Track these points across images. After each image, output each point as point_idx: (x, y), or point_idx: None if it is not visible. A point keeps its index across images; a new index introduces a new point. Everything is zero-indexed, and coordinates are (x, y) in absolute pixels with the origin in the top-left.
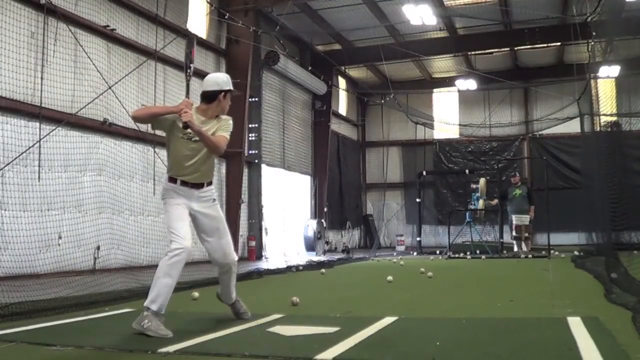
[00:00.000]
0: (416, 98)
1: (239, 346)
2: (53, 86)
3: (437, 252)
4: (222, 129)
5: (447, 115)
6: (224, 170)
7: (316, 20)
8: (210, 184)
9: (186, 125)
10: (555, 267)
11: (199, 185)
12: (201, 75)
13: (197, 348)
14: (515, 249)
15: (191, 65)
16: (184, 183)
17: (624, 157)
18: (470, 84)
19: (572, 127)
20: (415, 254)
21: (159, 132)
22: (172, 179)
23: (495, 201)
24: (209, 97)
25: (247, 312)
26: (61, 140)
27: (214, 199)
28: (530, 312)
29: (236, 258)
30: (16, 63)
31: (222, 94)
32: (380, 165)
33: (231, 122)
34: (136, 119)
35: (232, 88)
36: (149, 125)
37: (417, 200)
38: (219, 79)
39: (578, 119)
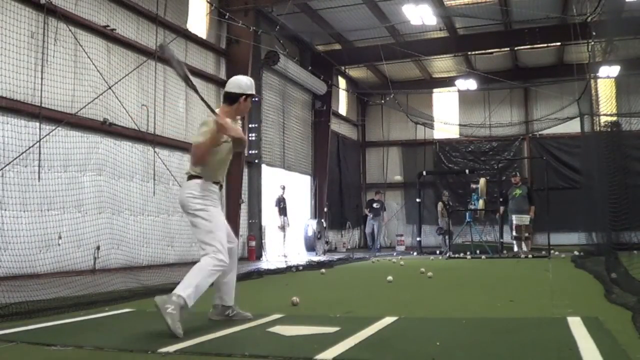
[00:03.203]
0: (416, 98)
1: (239, 346)
2: (53, 86)
3: (437, 252)
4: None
5: (447, 115)
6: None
7: (316, 20)
8: None
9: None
10: (555, 267)
11: (221, 186)
12: (200, 75)
13: (197, 348)
14: (515, 249)
15: (185, 73)
16: (217, 184)
17: (624, 157)
18: (470, 84)
19: (572, 127)
20: (415, 254)
21: (159, 132)
22: (205, 180)
23: (502, 209)
24: (231, 99)
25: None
26: (61, 140)
27: None
28: (530, 312)
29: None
30: (16, 63)
31: (243, 97)
32: (380, 165)
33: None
34: (202, 161)
35: (254, 92)
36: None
37: (417, 200)
38: (242, 82)
39: (578, 119)
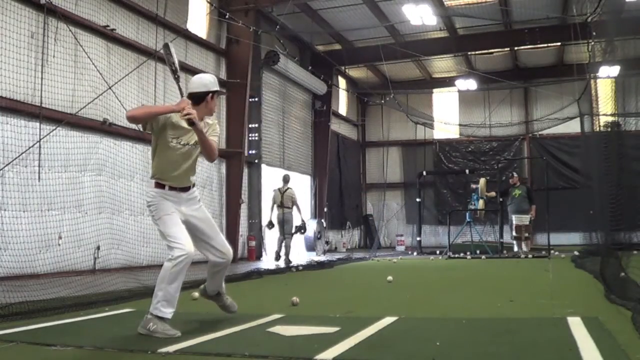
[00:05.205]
0: (416, 98)
1: (239, 346)
2: (53, 86)
3: (437, 252)
4: (211, 134)
5: (447, 115)
6: (224, 170)
7: (316, 20)
8: (194, 185)
9: (191, 122)
10: (555, 267)
11: (186, 189)
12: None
13: (197, 348)
14: (515, 249)
15: (175, 67)
16: (172, 188)
17: (623, 157)
18: (470, 84)
19: (572, 127)
20: (415, 254)
21: None
22: (159, 185)
23: (493, 193)
24: (196, 98)
25: (234, 304)
26: (61, 140)
27: (199, 199)
28: (530, 312)
29: (232, 252)
30: (16, 63)
31: (210, 95)
32: (380, 165)
33: (218, 127)
34: (133, 119)
35: (219, 89)
36: (139, 125)
37: (417, 200)
38: (206, 80)
39: (578, 119)
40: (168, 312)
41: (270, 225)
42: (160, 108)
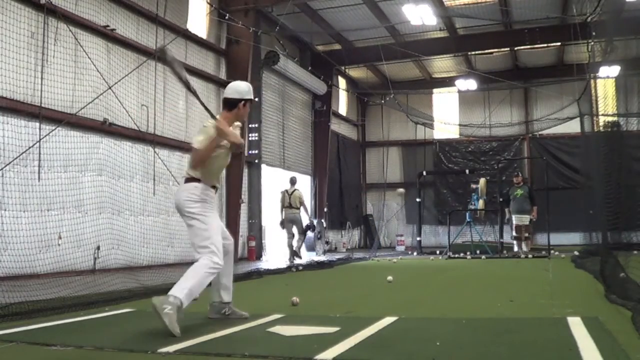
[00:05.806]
0: (416, 98)
1: (239, 346)
2: (53, 86)
3: (437, 252)
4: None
5: (447, 115)
6: (224, 170)
7: (316, 20)
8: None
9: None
10: (555, 267)
11: (217, 190)
12: (200, 75)
13: (197, 348)
14: (515, 249)
15: (185, 79)
16: (214, 187)
17: (623, 157)
18: (470, 84)
19: (572, 127)
20: (415, 254)
21: (159, 132)
22: (205, 184)
23: (507, 211)
24: (229, 104)
25: (245, 313)
26: (61, 140)
27: None
28: (530, 312)
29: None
30: (16, 63)
31: (243, 102)
32: (380, 165)
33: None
34: (201, 164)
35: (252, 97)
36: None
37: (417, 200)
38: (241, 88)
39: (578, 119)
40: (187, 301)
41: (283, 225)
42: (210, 146)
